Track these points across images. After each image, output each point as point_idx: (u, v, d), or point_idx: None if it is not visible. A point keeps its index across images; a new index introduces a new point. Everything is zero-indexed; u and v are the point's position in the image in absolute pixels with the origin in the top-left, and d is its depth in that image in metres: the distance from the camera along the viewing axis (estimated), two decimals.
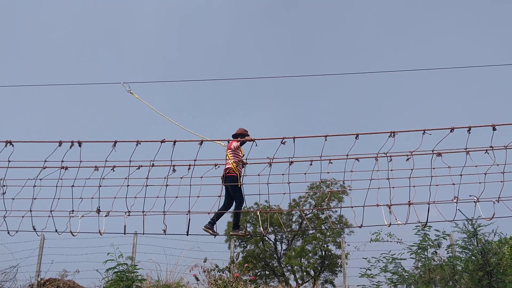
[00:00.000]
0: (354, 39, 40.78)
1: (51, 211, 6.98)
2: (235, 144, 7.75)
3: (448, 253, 10.07)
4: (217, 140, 7.89)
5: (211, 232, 7.72)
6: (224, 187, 7.77)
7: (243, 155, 7.94)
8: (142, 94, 8.71)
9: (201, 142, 6.85)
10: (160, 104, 8.70)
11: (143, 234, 7.14)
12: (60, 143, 7.01)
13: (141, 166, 7.28)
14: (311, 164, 6.88)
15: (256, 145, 7.54)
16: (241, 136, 7.95)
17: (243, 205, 7.86)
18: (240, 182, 7.50)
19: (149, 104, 8.65)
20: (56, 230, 7.06)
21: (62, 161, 7.09)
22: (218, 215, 7.83)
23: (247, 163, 7.79)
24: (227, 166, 7.78)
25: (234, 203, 7.92)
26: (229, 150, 7.83)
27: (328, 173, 6.81)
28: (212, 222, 7.77)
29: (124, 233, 7.15)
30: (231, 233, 8.20)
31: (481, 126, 6.18)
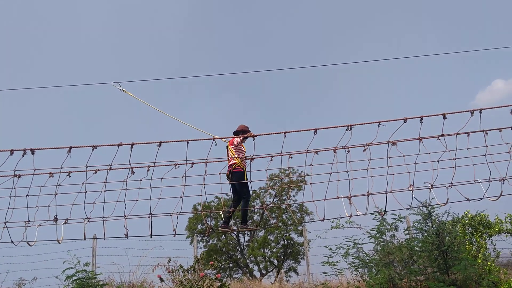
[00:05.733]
0: (303, 33, 41.21)
1: (5, 222, 6.71)
2: (237, 140, 7.99)
3: (406, 235, 10.49)
4: (223, 138, 8.02)
5: (228, 230, 8.23)
6: (231, 184, 7.98)
7: (245, 151, 8.13)
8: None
9: (160, 143, 6.73)
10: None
11: (104, 239, 7.00)
12: (12, 151, 6.72)
13: (98, 170, 7.08)
14: (271, 160, 6.97)
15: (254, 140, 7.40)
16: (242, 132, 8.17)
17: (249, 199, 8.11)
18: (246, 177, 7.65)
19: (144, 101, 8.69)
20: (12, 241, 6.80)
21: (15, 170, 6.81)
22: (229, 212, 8.06)
23: (253, 159, 7.78)
24: (232, 162, 7.94)
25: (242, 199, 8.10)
26: (232, 146, 8.04)
27: (288, 168, 6.92)
28: (226, 221, 8.15)
29: (84, 239, 6.99)
30: (240, 229, 8.41)
31: (432, 116, 6.43)
